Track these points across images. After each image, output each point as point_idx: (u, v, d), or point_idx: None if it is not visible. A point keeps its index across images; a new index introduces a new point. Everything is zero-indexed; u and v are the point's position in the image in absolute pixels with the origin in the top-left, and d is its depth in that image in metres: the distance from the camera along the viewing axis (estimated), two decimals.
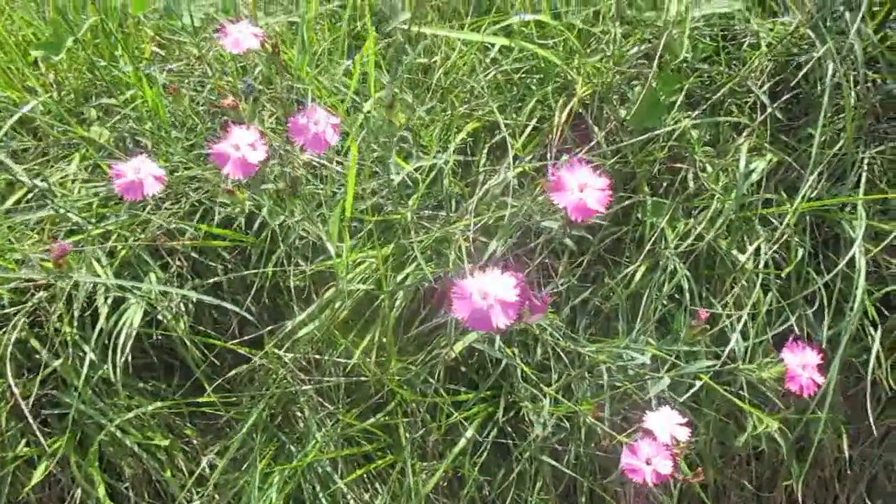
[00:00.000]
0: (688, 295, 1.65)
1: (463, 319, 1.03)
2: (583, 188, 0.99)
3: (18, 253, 1.71)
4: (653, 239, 1.71)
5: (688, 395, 1.42)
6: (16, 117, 1.68)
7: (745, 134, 1.77)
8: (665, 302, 1.69)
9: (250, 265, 1.76)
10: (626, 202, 1.76)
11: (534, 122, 1.78)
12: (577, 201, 0.99)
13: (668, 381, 1.27)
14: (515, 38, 1.58)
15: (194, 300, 1.75)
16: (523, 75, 1.83)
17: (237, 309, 1.63)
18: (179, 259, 1.77)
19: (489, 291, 1.03)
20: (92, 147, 1.75)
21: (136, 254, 1.72)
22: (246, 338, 1.76)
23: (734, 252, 1.71)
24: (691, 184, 1.76)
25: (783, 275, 1.68)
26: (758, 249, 1.68)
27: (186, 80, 1.85)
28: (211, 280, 1.76)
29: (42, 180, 1.42)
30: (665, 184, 1.81)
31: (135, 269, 1.72)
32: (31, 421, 1.67)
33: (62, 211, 1.54)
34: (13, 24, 1.90)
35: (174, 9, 1.80)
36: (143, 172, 1.28)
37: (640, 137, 1.69)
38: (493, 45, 1.72)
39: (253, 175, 1.17)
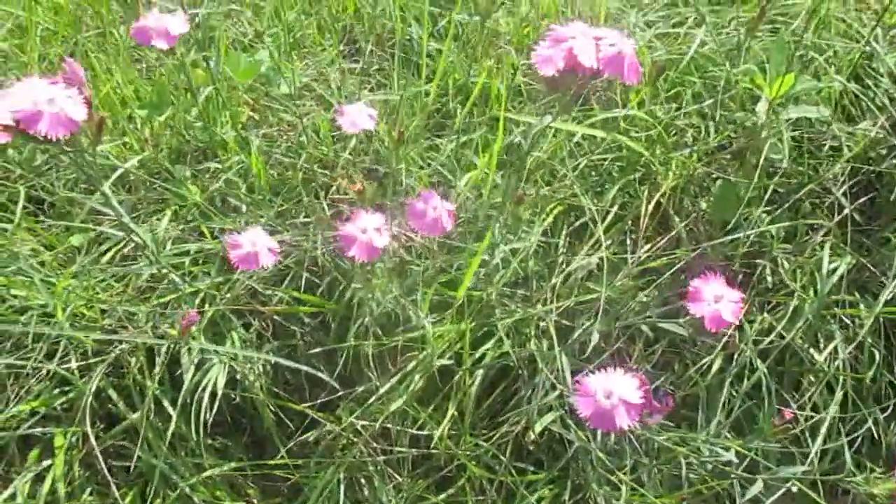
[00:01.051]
0: (765, 391, 1.66)
1: (586, 418, 1.05)
2: (718, 300, 1.02)
3: (106, 304, 1.75)
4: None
5: (774, 497, 1.42)
6: (118, 173, 1.73)
7: (822, 233, 1.80)
8: (738, 393, 1.70)
9: (330, 330, 1.79)
10: None
11: (615, 208, 1.82)
12: (713, 312, 1.02)
13: (761, 485, 1.27)
14: (609, 131, 1.63)
15: (272, 362, 1.78)
16: (604, 160, 1.88)
17: (315, 372, 1.64)
18: (262, 320, 1.80)
19: (613, 391, 1.05)
20: (184, 204, 1.80)
21: (222, 312, 1.75)
22: (318, 401, 1.77)
23: (810, 350, 1.72)
24: (769, 278, 1.79)
25: (859, 378, 1.69)
26: (835, 349, 1.70)
27: (277, 144, 1.91)
28: (290, 342, 1.79)
29: (151, 236, 1.45)
30: (741, 276, 1.84)
31: (219, 327, 1.75)
32: (103, 470, 1.68)
33: (163, 271, 1.57)
34: (113, 79, 1.97)
35: (273, 77, 1.87)
36: (259, 244, 1.31)
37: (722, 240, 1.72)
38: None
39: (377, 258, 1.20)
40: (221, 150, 1.83)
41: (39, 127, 1.04)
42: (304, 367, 1.65)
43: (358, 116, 1.42)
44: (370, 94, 1.78)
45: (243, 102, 1.92)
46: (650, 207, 1.68)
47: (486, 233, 1.34)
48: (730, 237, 1.77)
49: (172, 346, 1.77)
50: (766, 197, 1.79)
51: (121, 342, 1.78)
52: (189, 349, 1.72)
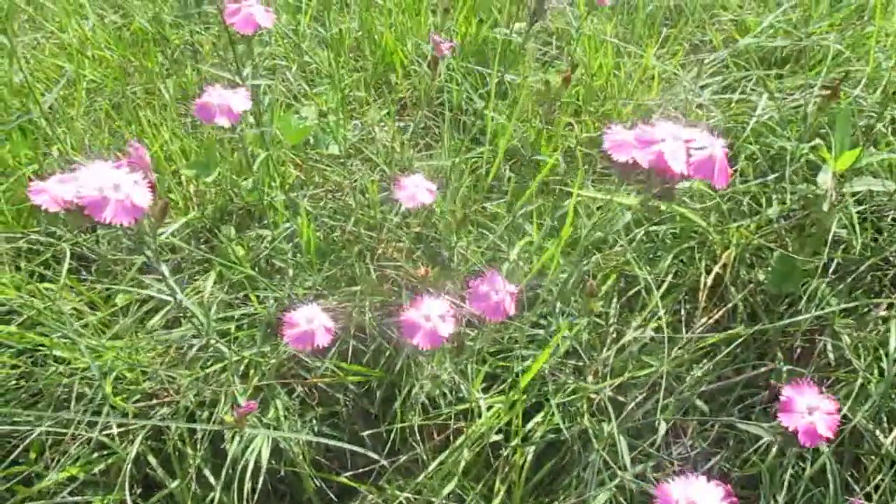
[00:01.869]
0: (830, 475, 1.58)
1: None
2: (812, 411, 0.97)
3: (148, 367, 1.72)
4: None
5: None
6: (164, 235, 1.71)
7: (884, 307, 1.73)
8: (801, 476, 1.63)
9: (375, 398, 1.75)
10: (763, 369, 1.72)
11: (669, 277, 1.78)
12: (808, 425, 0.97)
13: None
14: (668, 202, 1.58)
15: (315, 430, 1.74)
16: (657, 228, 1.84)
17: (358, 449, 1.60)
18: (306, 386, 1.76)
19: (696, 501, 0.99)
20: (230, 266, 1.77)
21: (266, 378, 1.71)
22: (360, 470, 1.73)
23: (876, 432, 1.65)
24: (830, 354, 1.72)
25: None
26: None
27: (323, 206, 1.88)
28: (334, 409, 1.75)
29: (203, 309, 1.42)
30: (799, 350, 1.78)
31: (263, 392, 1.71)
32: None
33: (212, 341, 1.54)
34: (160, 136, 1.96)
35: (321, 138, 1.85)
36: (315, 323, 1.28)
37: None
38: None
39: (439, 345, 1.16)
40: (269, 212, 1.80)
41: (105, 214, 1.02)
42: (347, 445, 1.62)
43: (417, 190, 1.39)
44: (418, 154, 1.75)
45: (290, 162, 1.90)
46: (709, 280, 1.62)
47: (543, 307, 1.29)
48: (789, 311, 1.72)
49: (213, 413, 1.74)
50: (826, 269, 1.74)
51: (162, 406, 1.75)
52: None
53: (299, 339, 1.27)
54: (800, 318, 1.61)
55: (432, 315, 1.17)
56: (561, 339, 1.49)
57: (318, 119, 1.88)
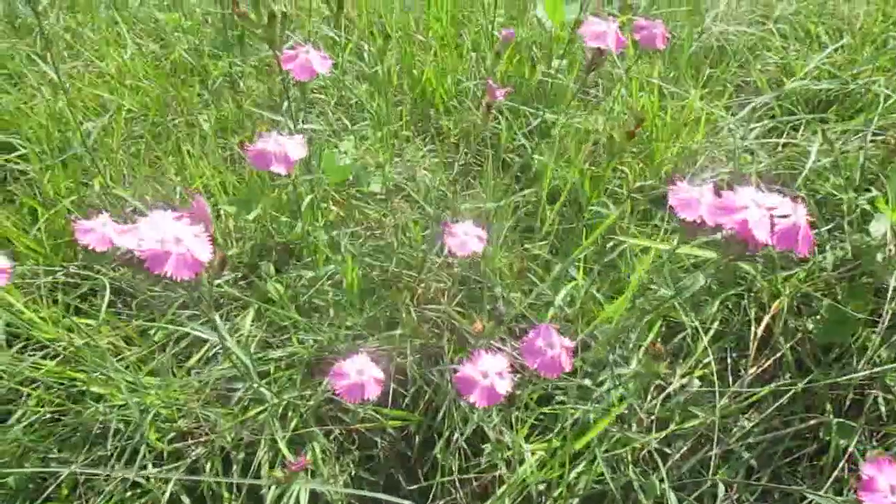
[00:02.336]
0: None
1: None
2: (895, 491, 0.93)
3: (185, 406, 1.70)
4: (841, 464, 1.61)
5: None
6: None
7: None
8: None
9: (413, 442, 1.72)
10: (812, 421, 1.68)
11: (715, 324, 1.74)
12: None
13: None
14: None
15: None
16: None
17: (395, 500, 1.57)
18: (344, 428, 1.73)
19: None
20: (268, 306, 1.76)
21: (304, 419, 1.69)
22: None
23: None
24: (882, 407, 1.68)
25: None
26: None
27: (363, 244, 1.86)
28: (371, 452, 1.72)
29: (249, 356, 1.40)
30: (849, 402, 1.73)
31: (300, 433, 1.69)
32: None
33: (255, 385, 1.51)
34: (200, 167, 1.95)
35: (362, 176, 1.83)
36: (366, 375, 1.25)
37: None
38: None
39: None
40: (308, 250, 1.79)
41: (165, 268, 1.00)
42: (384, 496, 1.58)
43: (468, 238, 1.37)
44: (460, 192, 1.73)
45: (330, 199, 1.89)
46: (759, 331, 1.59)
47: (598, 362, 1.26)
48: (839, 362, 1.68)
49: (249, 453, 1.71)
50: (877, 320, 1.70)
51: (197, 445, 1.73)
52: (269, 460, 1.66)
53: (350, 391, 1.24)
54: (852, 375, 1.57)
55: (490, 372, 1.15)
56: (612, 394, 1.46)
57: (358, 156, 1.86)
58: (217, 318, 1.14)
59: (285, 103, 1.31)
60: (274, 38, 1.20)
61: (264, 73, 2.26)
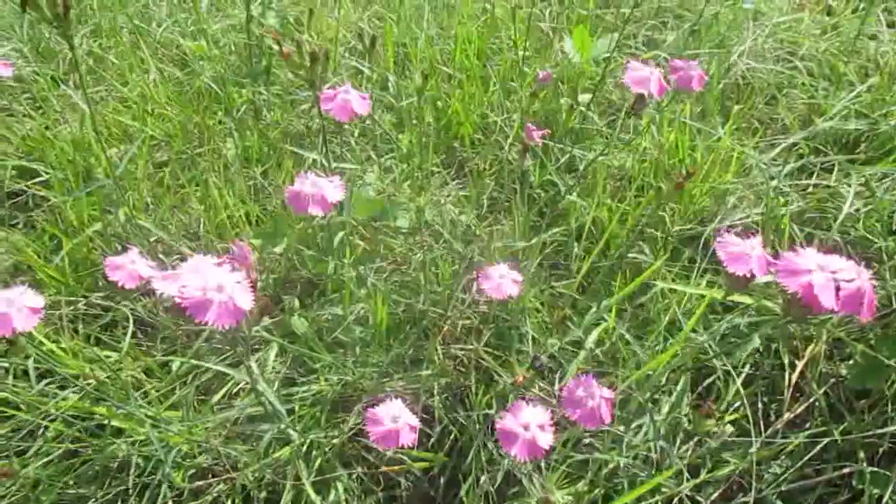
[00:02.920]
0: None
1: None
2: None
3: (206, 442, 1.67)
4: None
5: None
6: None
7: None
8: None
9: (438, 483, 1.69)
10: (845, 469, 1.65)
11: (746, 368, 1.72)
12: None
13: None
14: (757, 297, 1.53)
15: None
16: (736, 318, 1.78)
17: None
18: (367, 466, 1.70)
19: None
20: (292, 340, 1.73)
21: (328, 459, 1.66)
22: None
23: None
24: None
25: None
26: None
27: (389, 279, 1.84)
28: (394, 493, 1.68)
29: (279, 402, 1.37)
30: (883, 450, 1.70)
31: (323, 471, 1.66)
32: None
33: (282, 426, 1.48)
34: (223, 197, 1.94)
35: (389, 210, 1.82)
36: (401, 422, 1.23)
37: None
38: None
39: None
40: (334, 285, 1.77)
41: (207, 317, 0.98)
42: None
43: (503, 281, 1.35)
44: (485, 225, 1.71)
45: (356, 233, 1.87)
46: (794, 378, 1.56)
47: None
48: (872, 410, 1.65)
49: (270, 492, 1.68)
50: None
51: (218, 483, 1.70)
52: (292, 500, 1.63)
53: (385, 438, 1.21)
54: (887, 429, 1.54)
55: (531, 424, 1.12)
56: (650, 443, 1.43)
57: (383, 188, 1.85)
58: (255, 365, 1.11)
59: (321, 142, 1.30)
60: (316, 78, 1.18)
61: (289, 103, 2.26)
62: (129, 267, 1.40)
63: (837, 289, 0.86)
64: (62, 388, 1.73)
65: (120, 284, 1.39)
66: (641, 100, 1.29)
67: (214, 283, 1.00)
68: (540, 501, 1.09)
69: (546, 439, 1.12)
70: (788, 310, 0.93)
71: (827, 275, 0.87)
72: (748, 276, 1.06)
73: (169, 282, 1.02)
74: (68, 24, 1.36)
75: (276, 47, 1.31)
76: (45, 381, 1.69)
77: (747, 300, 1.53)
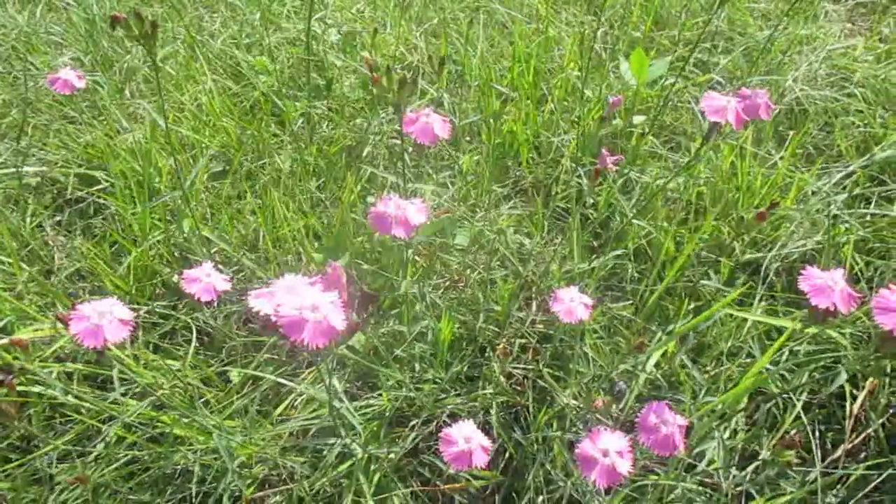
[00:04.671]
0: None
1: None
2: None
3: (265, 453, 1.70)
4: None
5: None
6: None
7: None
8: None
9: (493, 500, 1.70)
10: None
11: (804, 395, 1.71)
12: None
13: None
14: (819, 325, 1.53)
15: None
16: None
17: None
18: (423, 482, 1.71)
19: None
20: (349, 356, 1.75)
21: (386, 473, 1.67)
22: None
23: None
24: None
25: None
26: None
27: (446, 296, 1.86)
28: None
29: (356, 416, 1.39)
30: None
31: (383, 490, 1.67)
32: None
33: (347, 440, 1.50)
34: (285, 210, 1.97)
35: (448, 227, 1.84)
36: (474, 443, 1.24)
37: None
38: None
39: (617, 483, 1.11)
40: (393, 301, 1.79)
41: (303, 336, 1.00)
42: None
43: (574, 305, 1.36)
44: (543, 244, 1.72)
45: (416, 251, 1.89)
46: (855, 409, 1.56)
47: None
48: None
49: (327, 502, 1.70)
50: None
51: (275, 494, 1.72)
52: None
53: (457, 459, 1.23)
54: None
55: (610, 451, 1.13)
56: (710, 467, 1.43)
57: (441, 205, 1.87)
58: (337, 383, 1.13)
59: (400, 164, 1.32)
60: (402, 103, 1.21)
61: (345, 118, 2.29)
62: (204, 280, 1.43)
63: None
64: (126, 394, 1.77)
65: (197, 297, 1.43)
66: (716, 128, 1.30)
67: (310, 303, 1.02)
68: None
69: (625, 466, 1.12)
70: (882, 346, 0.94)
71: None
72: (831, 309, 1.07)
73: (264, 299, 1.05)
74: (154, 42, 1.40)
75: (350, 65, 1.34)
76: (101, 384, 1.72)
77: (811, 329, 1.53)
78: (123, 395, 1.77)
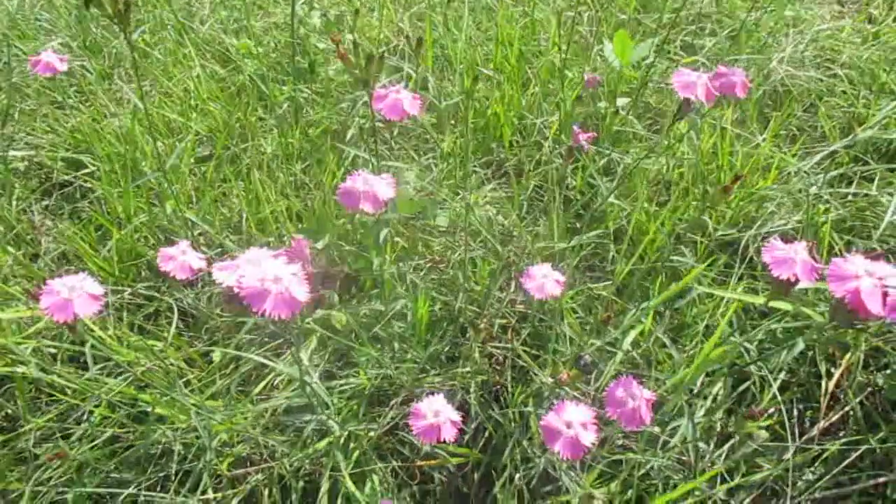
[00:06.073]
0: None
1: None
2: None
3: (246, 431, 1.71)
4: None
5: None
6: None
7: None
8: None
9: (472, 479, 1.71)
10: (880, 479, 1.65)
11: (782, 374, 1.72)
12: None
13: None
14: (795, 303, 1.54)
15: None
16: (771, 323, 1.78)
17: None
18: (402, 459, 1.73)
19: None
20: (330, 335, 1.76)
21: (365, 451, 1.69)
22: None
23: None
24: None
25: None
26: None
27: (426, 277, 1.87)
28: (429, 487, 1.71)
29: (326, 393, 1.40)
30: None
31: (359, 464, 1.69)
32: None
33: (323, 417, 1.52)
34: (266, 193, 1.98)
35: (429, 210, 1.84)
36: (442, 417, 1.25)
37: None
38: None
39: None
40: (372, 282, 1.80)
41: (265, 307, 1.01)
42: None
43: (546, 281, 1.37)
44: (525, 227, 1.73)
45: (395, 230, 1.90)
46: (830, 386, 1.56)
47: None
48: None
49: (307, 482, 1.71)
50: None
51: (256, 472, 1.73)
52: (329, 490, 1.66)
53: (426, 433, 1.24)
54: None
55: (574, 423, 1.14)
56: (687, 444, 1.44)
57: (423, 187, 1.88)
58: (305, 357, 1.14)
59: (368, 141, 1.33)
60: (370, 79, 1.21)
61: (330, 101, 2.29)
62: (180, 258, 1.45)
63: (885, 295, 0.87)
64: (109, 374, 1.78)
65: (171, 274, 1.44)
66: (687, 104, 1.30)
67: (272, 275, 1.03)
68: (583, 499, 1.10)
69: (589, 438, 1.13)
70: (835, 315, 0.94)
71: (875, 281, 0.88)
72: (792, 280, 1.07)
73: (227, 272, 1.06)
74: (128, 22, 1.41)
75: (334, 48, 1.35)
76: (96, 368, 1.73)
77: (786, 306, 1.54)
78: (107, 375, 1.78)
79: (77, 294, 1.18)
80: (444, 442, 1.26)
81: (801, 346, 1.10)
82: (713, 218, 1.71)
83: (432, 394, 1.28)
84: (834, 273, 0.91)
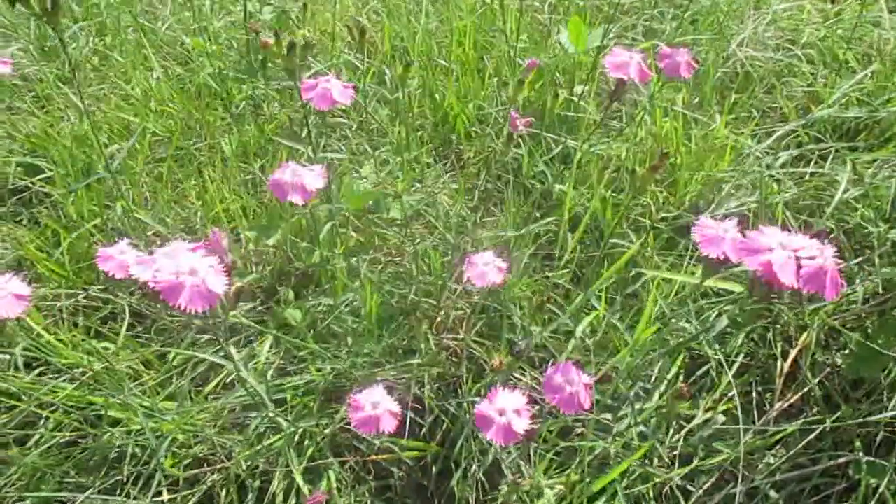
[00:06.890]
0: None
1: None
2: None
3: (201, 431, 1.69)
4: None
5: None
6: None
7: None
8: None
9: (430, 472, 1.69)
10: (841, 459, 1.63)
11: (740, 357, 1.70)
12: None
13: None
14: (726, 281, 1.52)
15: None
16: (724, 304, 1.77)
17: None
18: (359, 456, 1.71)
19: None
20: (286, 331, 1.75)
21: (320, 448, 1.67)
22: None
23: None
24: None
25: None
26: None
27: (383, 270, 1.85)
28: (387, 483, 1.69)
29: (265, 388, 1.39)
30: (880, 440, 1.68)
31: (315, 461, 1.67)
32: None
33: (271, 414, 1.50)
34: (221, 192, 1.96)
35: (382, 202, 1.83)
36: (381, 408, 1.23)
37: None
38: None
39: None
40: (326, 277, 1.78)
41: (180, 300, 0.99)
42: None
43: (487, 269, 1.35)
44: (480, 219, 1.71)
45: (350, 225, 1.88)
46: (786, 366, 1.55)
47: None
48: (869, 398, 1.63)
49: (264, 481, 1.70)
50: None
51: (213, 472, 1.72)
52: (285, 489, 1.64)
53: (365, 424, 1.22)
54: (882, 413, 1.52)
55: (507, 409, 1.12)
56: (632, 429, 1.42)
57: (379, 181, 1.86)
58: (232, 349, 1.13)
59: (305, 132, 1.31)
60: (294, 67, 1.19)
61: (287, 97, 2.27)
62: (118, 257, 1.42)
63: (799, 266, 0.85)
64: (62, 379, 1.76)
65: (110, 274, 1.42)
66: (622, 85, 1.28)
67: (187, 267, 1.01)
68: (511, 486, 1.08)
69: (521, 424, 1.12)
70: (752, 289, 0.92)
71: (788, 253, 0.86)
72: (721, 258, 1.06)
73: (144, 266, 1.04)
74: (57, 18, 1.38)
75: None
76: (38, 371, 1.72)
77: (736, 287, 1.52)
78: (61, 379, 1.76)
79: (1, 295, 1.16)
80: (383, 433, 1.24)
81: (724, 322, 1.08)
82: (665, 200, 1.69)
83: (391, 390, 1.26)
84: (747, 246, 0.89)
